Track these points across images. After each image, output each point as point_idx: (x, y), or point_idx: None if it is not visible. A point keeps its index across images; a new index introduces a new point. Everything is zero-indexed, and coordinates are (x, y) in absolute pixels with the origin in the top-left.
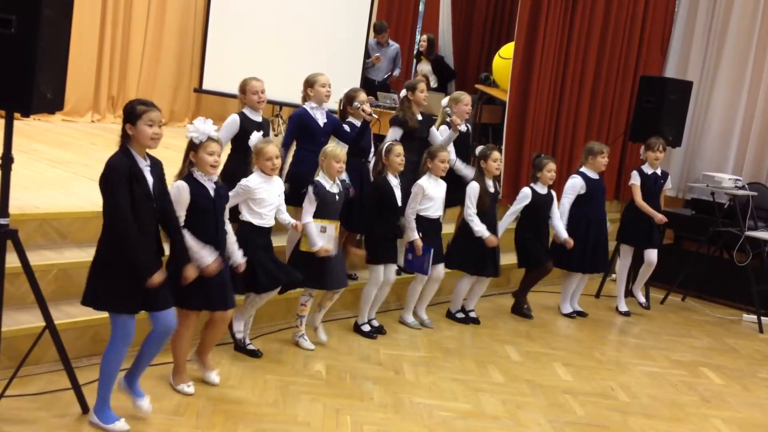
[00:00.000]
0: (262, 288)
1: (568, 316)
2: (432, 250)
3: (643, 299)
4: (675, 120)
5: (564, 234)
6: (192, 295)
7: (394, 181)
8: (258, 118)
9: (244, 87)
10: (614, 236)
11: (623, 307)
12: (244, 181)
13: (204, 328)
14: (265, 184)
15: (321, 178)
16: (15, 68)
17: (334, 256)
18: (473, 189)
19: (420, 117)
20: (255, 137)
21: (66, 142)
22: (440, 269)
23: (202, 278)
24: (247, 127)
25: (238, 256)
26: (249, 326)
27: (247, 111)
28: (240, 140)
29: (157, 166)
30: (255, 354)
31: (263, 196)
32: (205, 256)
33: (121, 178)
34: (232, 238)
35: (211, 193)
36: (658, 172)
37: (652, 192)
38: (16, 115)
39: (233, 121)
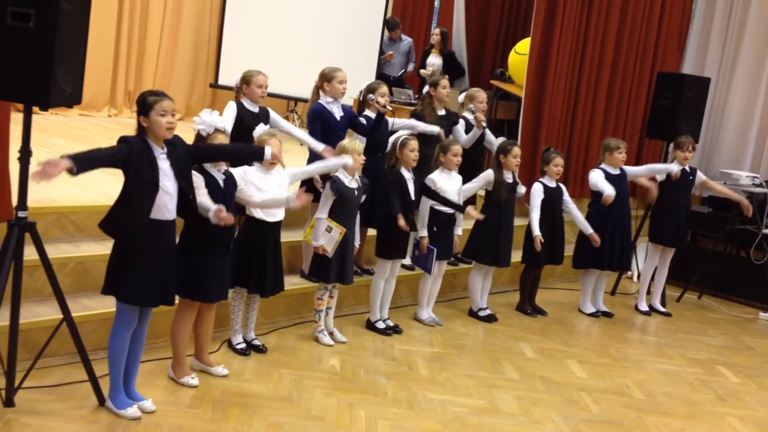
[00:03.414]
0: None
1: (593, 315)
2: (435, 250)
3: (664, 309)
4: (692, 117)
5: (589, 229)
6: (195, 285)
7: (408, 175)
8: (255, 109)
9: (248, 79)
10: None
11: (644, 306)
12: (243, 168)
13: (194, 325)
14: (263, 174)
15: (340, 173)
16: (33, 62)
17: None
18: (488, 174)
19: (443, 112)
20: (260, 129)
21: (83, 137)
22: (442, 266)
23: (205, 269)
24: (243, 116)
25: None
26: (251, 326)
27: (245, 101)
28: (235, 130)
29: (176, 149)
30: (260, 349)
31: (262, 186)
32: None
33: (126, 145)
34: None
35: (221, 183)
36: (687, 168)
37: (683, 187)
38: (34, 109)
39: (231, 108)
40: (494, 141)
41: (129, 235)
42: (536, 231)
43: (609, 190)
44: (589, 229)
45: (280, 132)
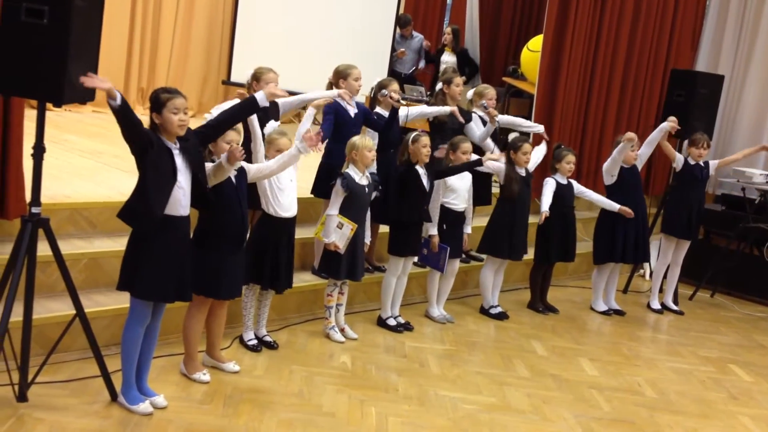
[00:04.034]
0: (262, 282)
1: (604, 313)
2: (448, 249)
3: (676, 307)
4: (706, 114)
5: (616, 205)
6: (208, 282)
7: (421, 170)
8: (265, 103)
9: (259, 76)
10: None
11: (656, 305)
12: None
13: (206, 321)
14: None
15: (350, 170)
16: (47, 59)
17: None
18: (500, 168)
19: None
20: (271, 126)
21: (96, 133)
22: (455, 264)
23: (218, 265)
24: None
25: None
26: (262, 322)
27: None
28: (246, 125)
29: (188, 143)
30: (271, 346)
31: (276, 183)
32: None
33: (148, 132)
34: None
35: (233, 179)
36: (701, 163)
37: (698, 180)
38: (48, 105)
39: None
40: (513, 120)
41: (147, 226)
42: (544, 207)
43: (627, 134)
44: (615, 206)
45: (295, 106)
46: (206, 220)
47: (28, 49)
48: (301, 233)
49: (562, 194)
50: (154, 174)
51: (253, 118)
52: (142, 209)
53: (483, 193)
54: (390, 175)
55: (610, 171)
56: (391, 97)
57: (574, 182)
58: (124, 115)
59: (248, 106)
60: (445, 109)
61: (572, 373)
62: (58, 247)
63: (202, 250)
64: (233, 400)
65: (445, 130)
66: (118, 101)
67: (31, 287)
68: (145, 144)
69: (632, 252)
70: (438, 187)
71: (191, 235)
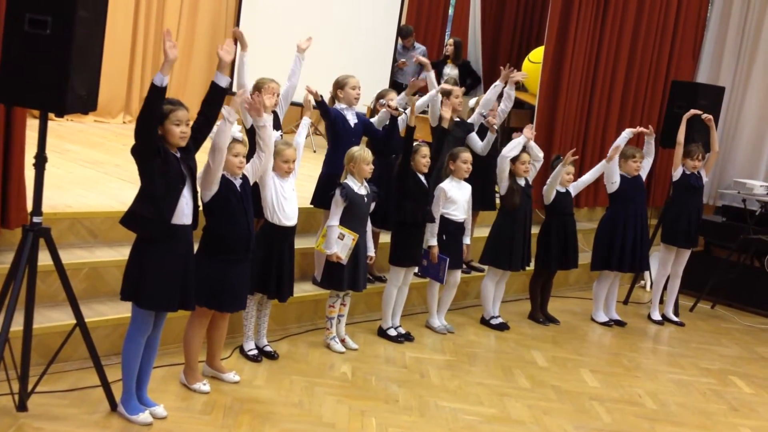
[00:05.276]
0: (266, 291)
1: (605, 324)
2: (448, 260)
3: (677, 318)
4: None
5: (611, 153)
6: (208, 293)
7: (420, 176)
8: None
9: (260, 86)
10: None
11: (656, 316)
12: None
13: (206, 332)
14: (281, 181)
15: (349, 180)
16: (50, 69)
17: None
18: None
19: (456, 119)
20: (274, 136)
21: (98, 143)
22: (457, 275)
23: (223, 277)
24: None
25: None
26: (262, 332)
27: None
28: (248, 134)
29: (189, 154)
30: (272, 356)
31: (281, 192)
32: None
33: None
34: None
35: (238, 188)
36: (696, 173)
37: (695, 188)
38: (50, 115)
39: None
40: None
41: (152, 231)
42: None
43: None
44: (611, 153)
45: (291, 96)
46: (211, 229)
47: (31, 59)
48: (300, 243)
49: (562, 203)
50: (164, 180)
51: (268, 126)
52: (149, 214)
53: (486, 197)
54: (390, 180)
55: (610, 178)
56: (388, 106)
57: (571, 187)
58: (158, 99)
59: (213, 92)
60: (431, 93)
61: (573, 384)
62: (59, 256)
63: (207, 260)
64: (233, 410)
65: (447, 139)
66: (166, 82)
67: (32, 297)
68: (153, 146)
69: (629, 260)
70: (438, 198)
71: (196, 245)
